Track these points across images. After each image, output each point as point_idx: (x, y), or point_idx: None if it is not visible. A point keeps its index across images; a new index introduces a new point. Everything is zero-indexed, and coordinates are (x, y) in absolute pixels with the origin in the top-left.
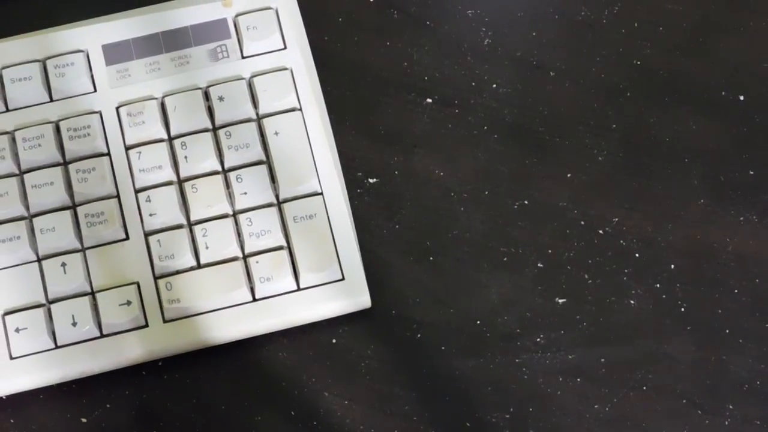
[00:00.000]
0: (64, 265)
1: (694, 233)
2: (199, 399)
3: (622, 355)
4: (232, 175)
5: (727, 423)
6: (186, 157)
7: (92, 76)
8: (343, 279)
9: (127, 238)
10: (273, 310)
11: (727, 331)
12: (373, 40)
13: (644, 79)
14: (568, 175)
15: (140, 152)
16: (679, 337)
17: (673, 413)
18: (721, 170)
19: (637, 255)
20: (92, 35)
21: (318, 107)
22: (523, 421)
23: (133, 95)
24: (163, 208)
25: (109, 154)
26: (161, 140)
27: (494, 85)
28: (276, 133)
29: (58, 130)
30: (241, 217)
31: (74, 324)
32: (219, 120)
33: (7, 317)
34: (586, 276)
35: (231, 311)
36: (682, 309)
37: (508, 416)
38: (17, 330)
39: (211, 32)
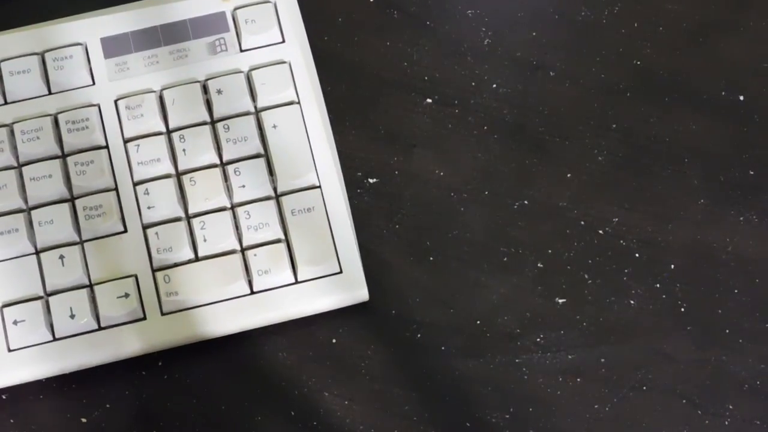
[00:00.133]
0: (62, 257)
1: (694, 233)
2: (199, 399)
3: (622, 355)
4: (230, 168)
5: (727, 423)
6: (184, 150)
7: (91, 69)
8: (340, 272)
9: (126, 230)
10: (271, 302)
11: (727, 331)
12: (373, 40)
13: (644, 79)
14: (568, 175)
15: (138, 145)
16: (679, 337)
17: (673, 413)
18: (721, 170)
19: (637, 255)
20: (91, 28)
21: (316, 101)
22: (523, 421)
23: (132, 88)
24: (162, 200)
25: (107, 146)
26: (159, 133)
27: (494, 85)
28: (274, 127)
29: (56, 122)
30: (239, 210)
31: (72, 316)
32: (217, 113)
33: (5, 309)
34: (586, 276)
35: (229, 304)
36: (682, 309)
37: (508, 416)
38: (15, 322)
39: (209, 26)
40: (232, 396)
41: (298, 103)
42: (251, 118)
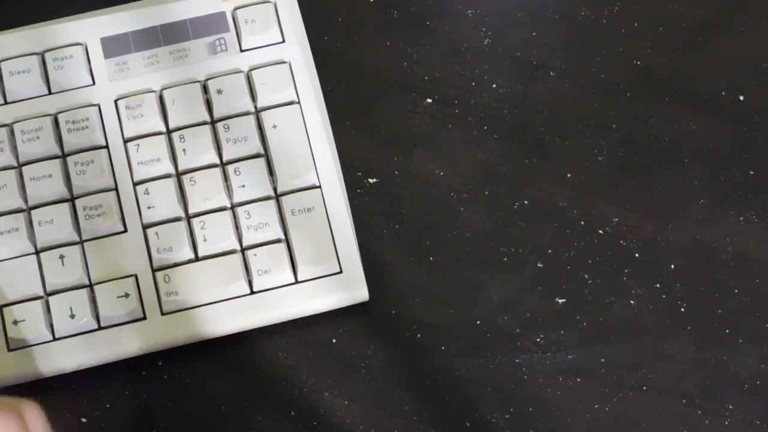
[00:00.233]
0: (62, 257)
1: (694, 233)
2: (199, 399)
3: (622, 355)
4: (230, 168)
5: (727, 423)
6: (184, 150)
7: (91, 69)
8: (340, 272)
9: (126, 230)
10: (271, 302)
11: (727, 331)
12: (373, 40)
13: (644, 79)
14: (568, 175)
15: (138, 145)
16: (679, 337)
17: (673, 413)
18: (721, 170)
19: (637, 255)
20: (91, 28)
21: (316, 101)
22: (523, 421)
23: (132, 88)
24: (162, 200)
25: (107, 146)
26: (159, 133)
27: (494, 85)
28: (274, 126)
29: (56, 122)
30: (239, 210)
31: (72, 316)
32: (217, 113)
33: (5, 309)
34: (586, 276)
35: (229, 304)
36: (682, 309)
37: (508, 416)
38: (15, 322)
39: (209, 25)
40: (232, 396)
41: (298, 103)
42: (251, 118)
